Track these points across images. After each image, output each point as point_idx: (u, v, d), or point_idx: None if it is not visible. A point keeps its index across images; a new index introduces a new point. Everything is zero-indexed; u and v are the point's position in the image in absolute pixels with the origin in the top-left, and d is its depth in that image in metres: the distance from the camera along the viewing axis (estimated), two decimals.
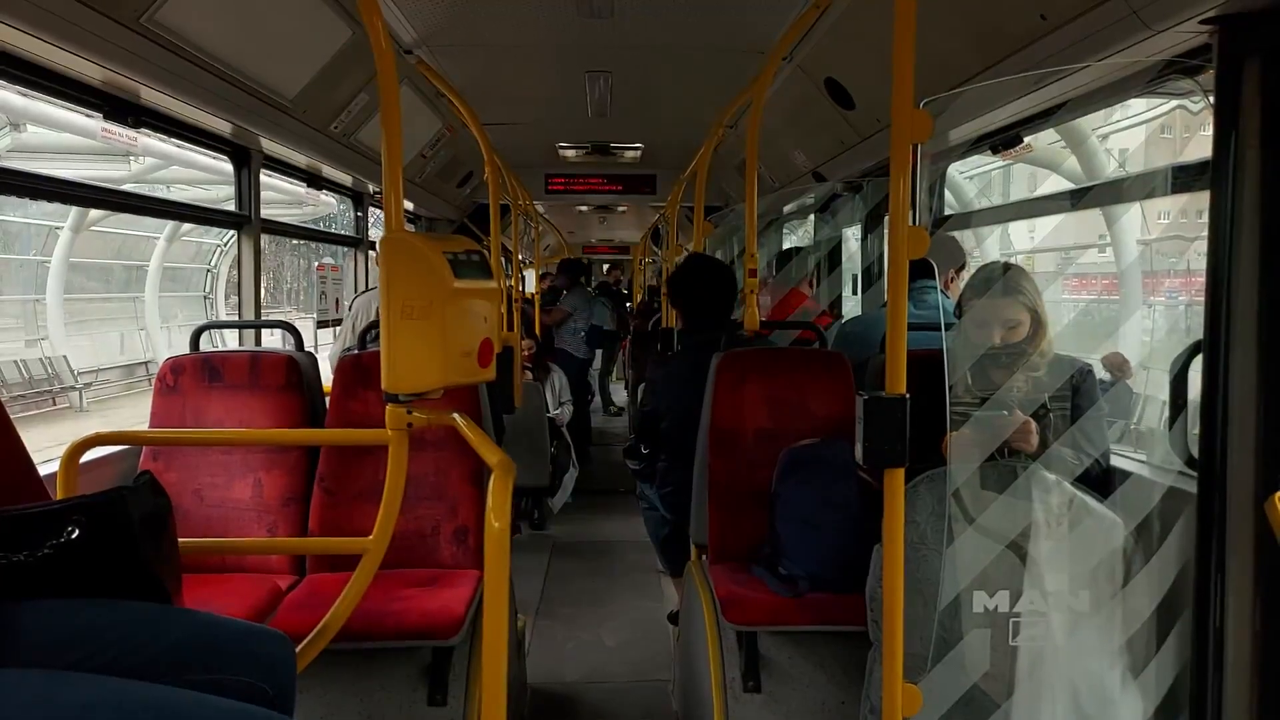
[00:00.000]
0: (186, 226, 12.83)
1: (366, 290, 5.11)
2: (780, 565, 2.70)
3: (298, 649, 1.74)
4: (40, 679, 1.15)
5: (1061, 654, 1.96)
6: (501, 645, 1.41)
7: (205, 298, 14.69)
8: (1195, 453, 1.97)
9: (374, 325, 3.58)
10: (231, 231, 11.80)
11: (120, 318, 16.24)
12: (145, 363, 15.96)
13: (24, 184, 2.68)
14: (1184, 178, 2.17)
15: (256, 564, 2.86)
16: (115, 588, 1.33)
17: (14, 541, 1.27)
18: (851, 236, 5.27)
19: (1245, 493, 1.80)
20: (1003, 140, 3.14)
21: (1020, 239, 6.80)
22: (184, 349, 3.09)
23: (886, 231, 1.48)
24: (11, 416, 1.44)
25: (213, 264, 14.40)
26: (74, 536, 1.28)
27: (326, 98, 3.55)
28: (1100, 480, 2.19)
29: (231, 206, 3.74)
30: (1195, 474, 1.93)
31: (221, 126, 3.29)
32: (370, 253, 5.46)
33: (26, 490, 1.44)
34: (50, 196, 2.99)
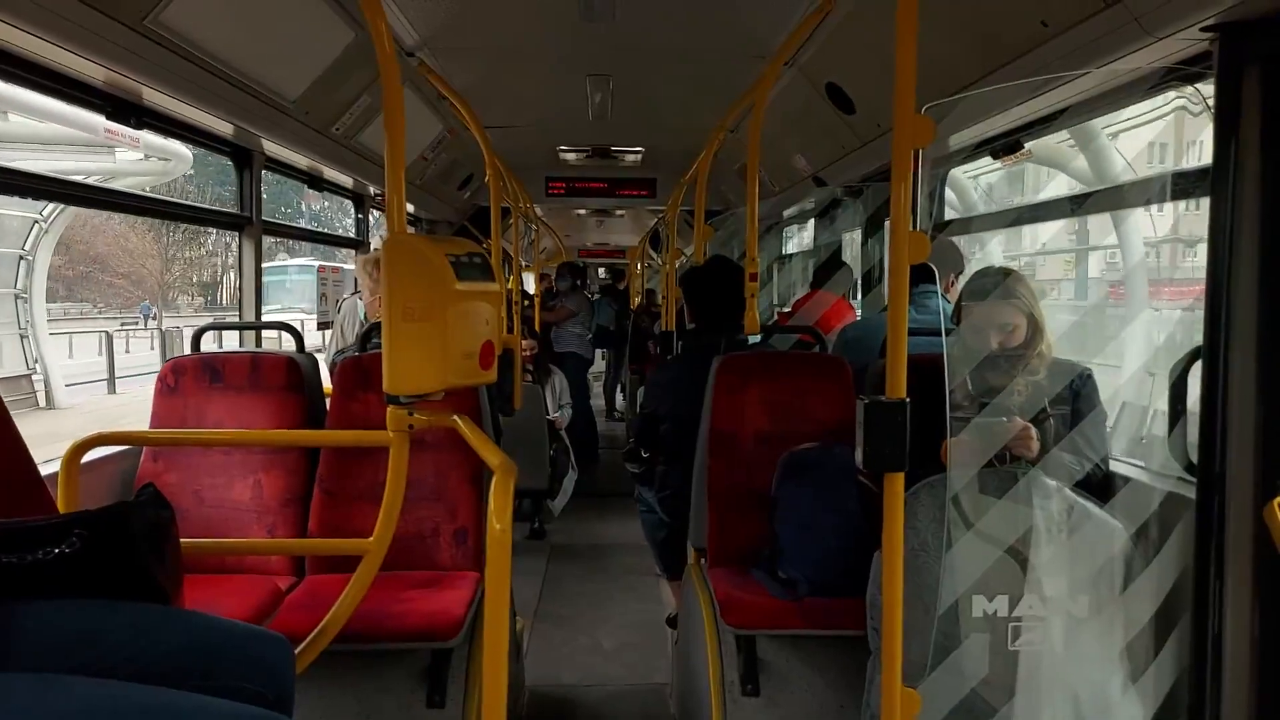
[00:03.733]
0: None
1: (355, 293, 5.10)
2: (779, 569, 2.70)
3: (297, 650, 1.75)
4: (36, 682, 1.15)
5: (1061, 659, 1.96)
6: (502, 646, 1.42)
7: (18, 297, 10.75)
8: (1194, 458, 1.97)
9: (375, 327, 3.58)
10: (56, 205, 9.93)
11: None
12: None
13: (23, 183, 2.68)
14: (1184, 184, 2.18)
15: (256, 565, 2.86)
16: (116, 593, 1.34)
17: (10, 549, 1.27)
18: (852, 241, 5.27)
19: (1244, 499, 1.81)
20: (1003, 146, 3.15)
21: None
22: None
23: (887, 236, 1.49)
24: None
25: (27, 248, 10.35)
26: (70, 550, 1.28)
27: (329, 100, 3.55)
28: (1101, 485, 2.19)
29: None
30: (1194, 479, 1.94)
31: (224, 128, 3.30)
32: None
33: (31, 495, 1.45)
34: (50, 196, 3.00)
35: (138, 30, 2.34)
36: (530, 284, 9.36)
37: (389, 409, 1.81)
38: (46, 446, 2.11)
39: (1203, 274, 1.85)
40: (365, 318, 4.44)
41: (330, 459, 2.91)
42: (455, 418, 1.77)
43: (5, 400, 1.46)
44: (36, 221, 10.22)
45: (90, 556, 1.29)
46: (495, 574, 1.42)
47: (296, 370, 3.00)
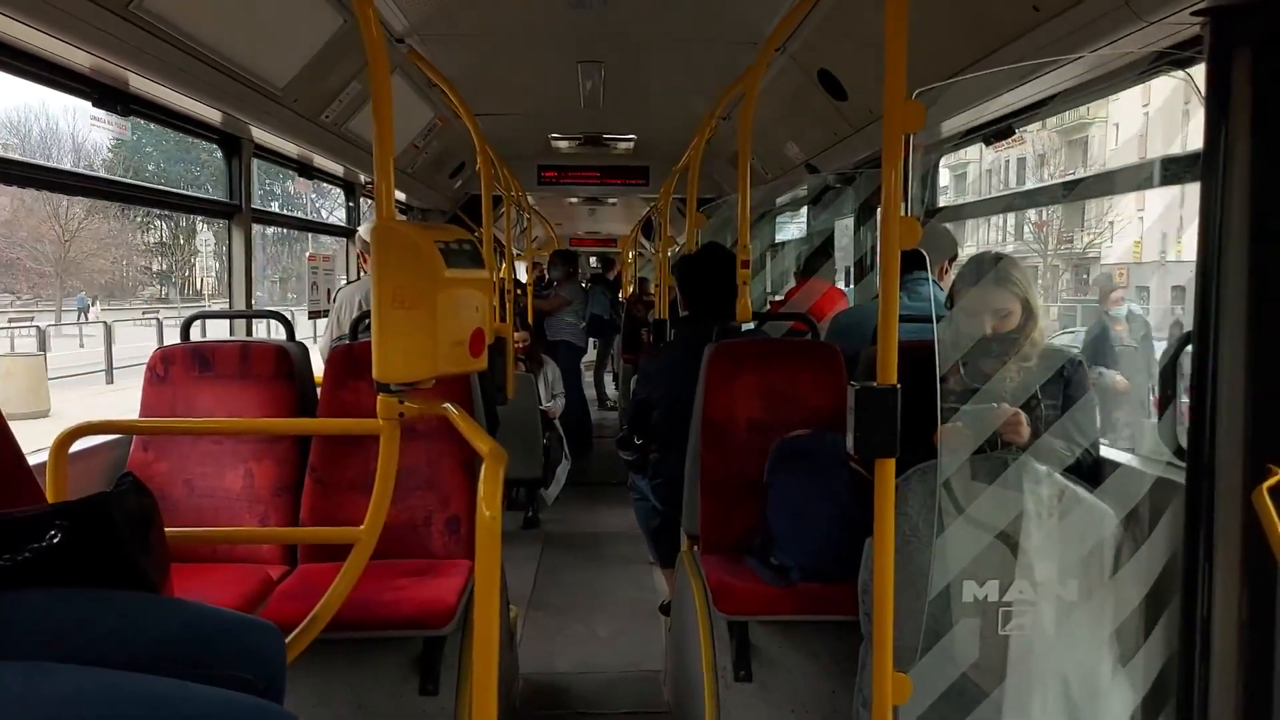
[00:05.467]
0: None
1: (350, 282, 5.09)
2: (772, 555, 2.70)
3: (289, 639, 1.74)
4: (26, 671, 1.14)
5: (1051, 644, 1.97)
6: (492, 633, 1.42)
7: None
8: (1184, 443, 1.98)
9: (366, 316, 3.57)
10: None
11: None
12: None
13: (19, 173, 2.67)
14: (1174, 169, 2.18)
15: (248, 554, 2.85)
16: (102, 583, 1.33)
17: None
18: (844, 229, 5.27)
19: (1233, 484, 1.81)
20: (994, 132, 3.15)
21: None
22: None
23: (879, 222, 1.49)
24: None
25: None
26: (55, 541, 1.27)
27: (317, 87, 3.53)
28: (1091, 470, 2.20)
29: None
30: (1184, 465, 1.94)
31: (211, 115, 3.27)
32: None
33: (20, 487, 1.44)
34: (42, 185, 2.98)
35: (123, 16, 2.32)
36: (522, 273, 9.34)
37: (379, 397, 1.79)
38: None
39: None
40: (363, 304, 4.44)
41: (321, 447, 2.90)
42: (446, 405, 1.76)
43: None
44: None
45: (74, 547, 1.28)
46: (485, 561, 1.42)
47: (287, 359, 2.99)
